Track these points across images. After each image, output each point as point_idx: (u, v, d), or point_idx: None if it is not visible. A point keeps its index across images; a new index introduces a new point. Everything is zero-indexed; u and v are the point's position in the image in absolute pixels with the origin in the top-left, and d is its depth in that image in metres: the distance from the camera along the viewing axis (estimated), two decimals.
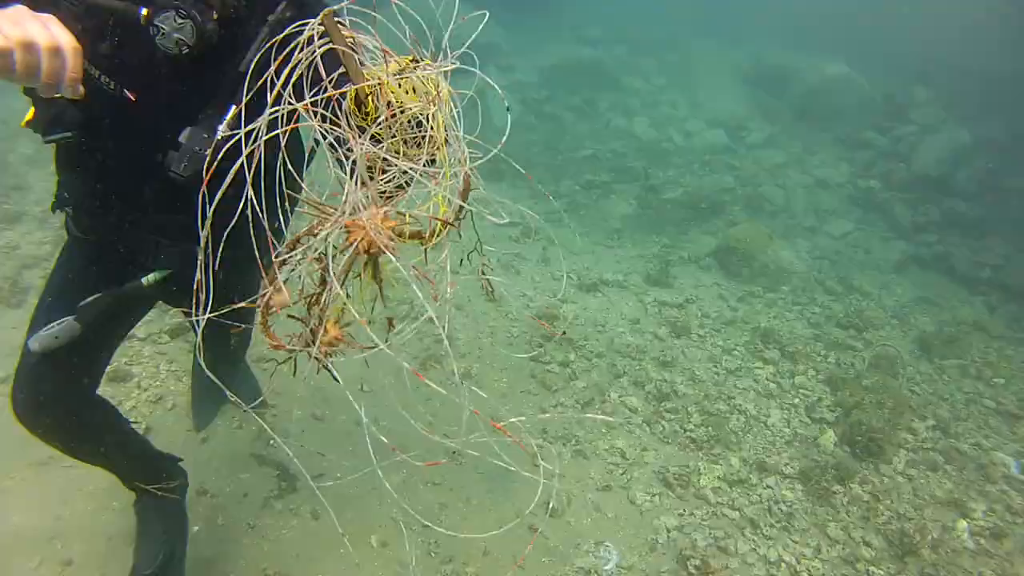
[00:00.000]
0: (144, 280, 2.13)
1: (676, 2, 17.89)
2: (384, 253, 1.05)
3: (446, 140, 1.14)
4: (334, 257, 1.04)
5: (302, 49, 1.12)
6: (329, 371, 1.17)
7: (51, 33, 1.24)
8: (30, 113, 2.15)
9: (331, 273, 1.03)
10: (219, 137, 1.77)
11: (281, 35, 1.24)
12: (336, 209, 1.06)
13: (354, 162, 1.07)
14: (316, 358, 1.12)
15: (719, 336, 5.90)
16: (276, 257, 1.13)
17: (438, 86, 1.17)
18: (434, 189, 1.12)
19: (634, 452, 4.42)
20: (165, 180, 1.82)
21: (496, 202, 1.24)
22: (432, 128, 1.12)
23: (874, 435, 4.73)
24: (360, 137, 1.08)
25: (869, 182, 10.13)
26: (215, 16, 1.70)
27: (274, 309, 1.16)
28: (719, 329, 6.02)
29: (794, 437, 4.82)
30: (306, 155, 1.88)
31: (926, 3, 17.92)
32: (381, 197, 1.09)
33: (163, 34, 1.64)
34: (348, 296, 1.10)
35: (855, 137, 11.39)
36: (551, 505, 3.92)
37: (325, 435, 4.09)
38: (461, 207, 1.22)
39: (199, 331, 1.23)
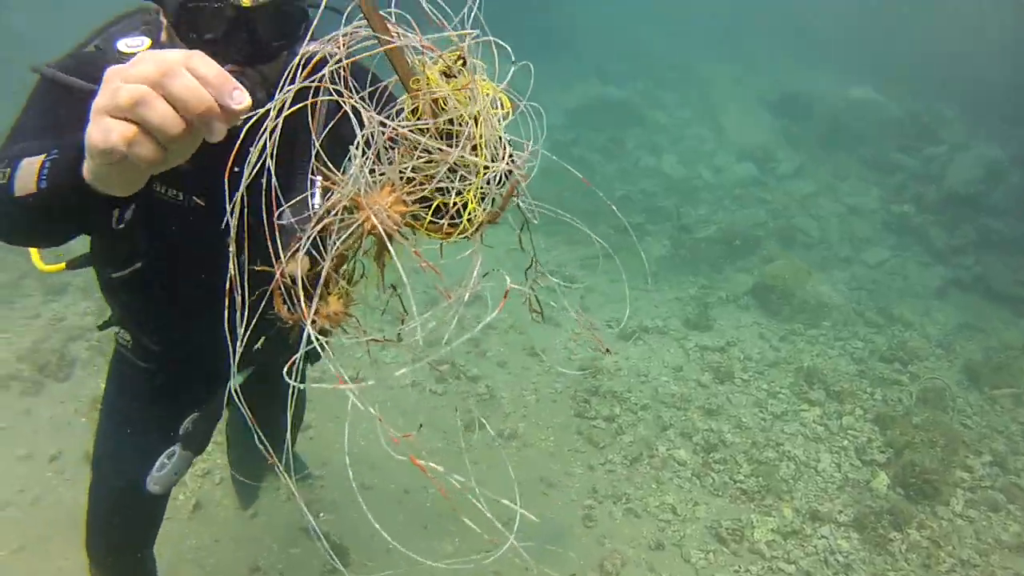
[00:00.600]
0: (232, 385, 1.98)
1: (692, 31, 17.96)
2: (387, 238, 0.93)
3: (486, 143, 1.00)
4: (341, 232, 0.95)
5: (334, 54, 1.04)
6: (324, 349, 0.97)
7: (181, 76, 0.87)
8: (59, 265, 2.12)
9: (327, 248, 0.95)
10: (319, 209, 1.68)
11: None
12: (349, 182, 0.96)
13: (373, 138, 0.95)
14: (316, 335, 0.96)
15: (763, 379, 5.83)
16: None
17: (488, 87, 1.03)
18: (467, 185, 0.98)
19: (685, 508, 4.38)
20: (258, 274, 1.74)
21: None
22: (476, 126, 0.98)
23: (928, 476, 4.63)
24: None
25: (902, 206, 9.97)
26: (263, 90, 1.58)
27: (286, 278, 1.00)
28: (763, 372, 5.96)
29: (846, 482, 4.74)
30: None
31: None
32: (403, 182, 0.96)
33: None
34: (363, 276, 1.02)
35: (884, 160, 11.25)
36: (604, 566, 3.89)
37: (374, 504, 4.12)
38: (497, 211, 1.08)
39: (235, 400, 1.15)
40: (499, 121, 1.03)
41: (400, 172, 0.96)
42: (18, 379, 4.87)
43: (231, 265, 0.99)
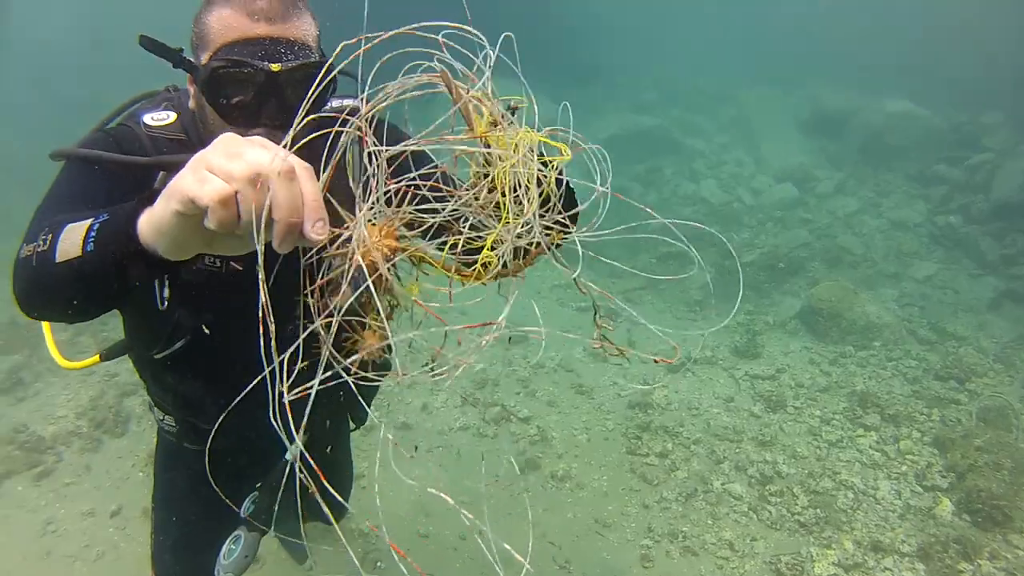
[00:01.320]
0: (289, 456, 1.81)
1: (722, 56, 17.87)
2: (380, 271, 0.90)
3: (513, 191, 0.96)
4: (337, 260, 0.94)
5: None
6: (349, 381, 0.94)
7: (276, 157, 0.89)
8: (92, 359, 2.10)
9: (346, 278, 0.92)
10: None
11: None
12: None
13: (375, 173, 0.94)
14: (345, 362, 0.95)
15: (815, 406, 5.69)
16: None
17: (528, 136, 1.01)
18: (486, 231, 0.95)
19: (743, 543, 4.27)
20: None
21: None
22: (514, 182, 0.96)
23: (996, 501, 4.44)
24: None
25: (948, 218, 9.69)
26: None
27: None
28: (815, 398, 5.81)
29: (907, 510, 4.57)
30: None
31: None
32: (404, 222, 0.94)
33: None
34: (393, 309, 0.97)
35: (927, 173, 10.98)
36: None
37: (431, 553, 4.10)
38: (520, 265, 1.04)
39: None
40: (530, 169, 0.99)
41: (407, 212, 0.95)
42: (78, 435, 5.04)
43: (262, 327, 0.98)
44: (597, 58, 17.18)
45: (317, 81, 1.16)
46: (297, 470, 1.00)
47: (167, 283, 1.69)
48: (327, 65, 1.41)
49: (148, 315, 1.75)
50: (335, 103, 1.75)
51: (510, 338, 1.00)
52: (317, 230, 0.89)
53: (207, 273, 1.72)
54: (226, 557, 1.95)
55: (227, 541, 1.97)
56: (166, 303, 1.70)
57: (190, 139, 1.66)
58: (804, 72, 15.67)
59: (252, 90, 1.48)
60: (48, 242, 1.19)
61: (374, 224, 0.94)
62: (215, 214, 0.86)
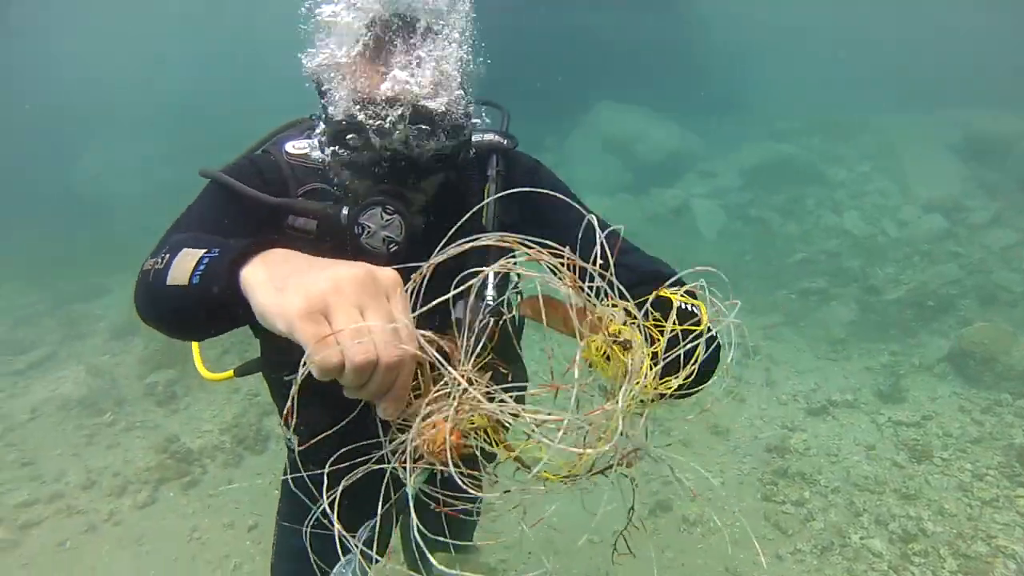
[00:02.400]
0: (410, 489, 1.84)
1: (865, 82, 17.01)
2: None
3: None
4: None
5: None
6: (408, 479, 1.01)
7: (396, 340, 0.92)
8: (226, 373, 2.11)
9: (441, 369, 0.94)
10: (491, 304, 1.58)
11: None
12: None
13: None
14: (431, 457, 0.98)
15: (966, 458, 5.33)
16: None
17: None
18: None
19: None
20: None
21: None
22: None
23: None
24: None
25: None
26: (420, 208, 1.55)
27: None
28: (965, 450, 5.45)
29: None
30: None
31: None
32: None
33: (369, 233, 1.47)
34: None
35: None
36: None
37: None
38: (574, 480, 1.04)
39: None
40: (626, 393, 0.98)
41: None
42: (222, 450, 5.51)
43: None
44: (732, 85, 16.83)
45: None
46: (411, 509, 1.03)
47: None
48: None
49: (279, 337, 1.78)
50: (479, 138, 1.73)
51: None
52: (387, 412, 0.96)
53: None
54: None
55: (339, 564, 1.95)
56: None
57: (326, 169, 1.64)
58: (954, 97, 14.70)
59: (377, 155, 1.47)
60: (164, 262, 1.22)
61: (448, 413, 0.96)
62: (315, 370, 0.91)
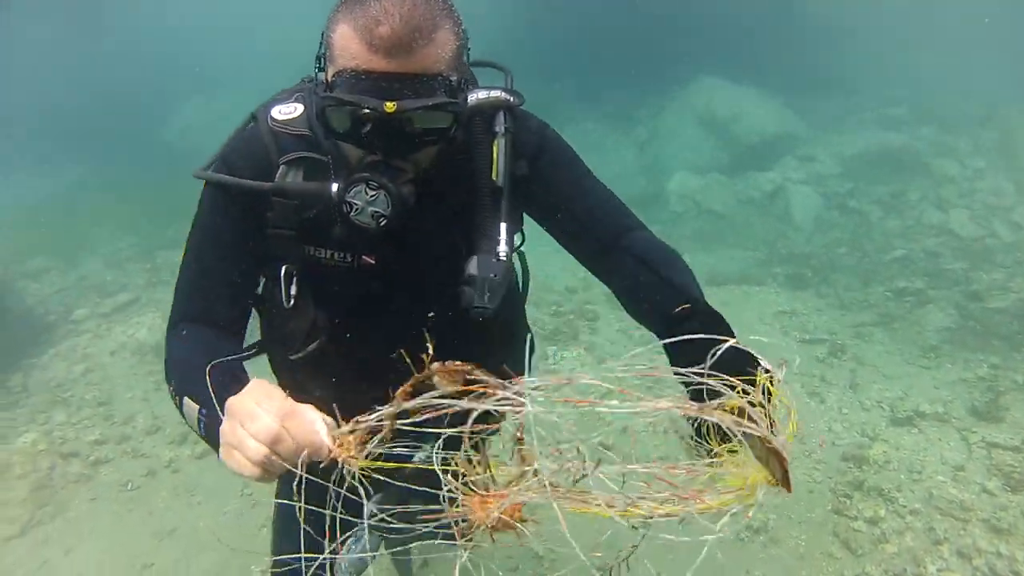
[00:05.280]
0: (415, 460, 1.79)
1: (990, 70, 15.44)
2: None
3: None
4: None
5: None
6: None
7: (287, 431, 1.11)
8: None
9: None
10: (504, 259, 1.62)
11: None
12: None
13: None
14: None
15: None
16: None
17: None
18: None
19: None
20: (439, 330, 1.56)
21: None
22: None
23: None
24: None
25: None
26: (410, 177, 1.49)
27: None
28: None
29: None
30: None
31: None
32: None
33: (357, 210, 1.45)
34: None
35: None
36: None
37: None
38: None
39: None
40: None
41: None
42: None
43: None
44: (842, 64, 15.56)
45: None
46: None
47: (294, 281, 1.67)
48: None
49: (279, 316, 1.75)
50: (480, 94, 1.66)
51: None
52: (317, 457, 1.11)
53: (338, 270, 1.67)
54: (345, 552, 1.92)
55: (349, 540, 1.94)
56: (292, 301, 1.68)
57: (315, 134, 1.61)
58: None
59: (365, 126, 1.40)
60: (177, 400, 1.40)
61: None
62: (263, 480, 1.16)
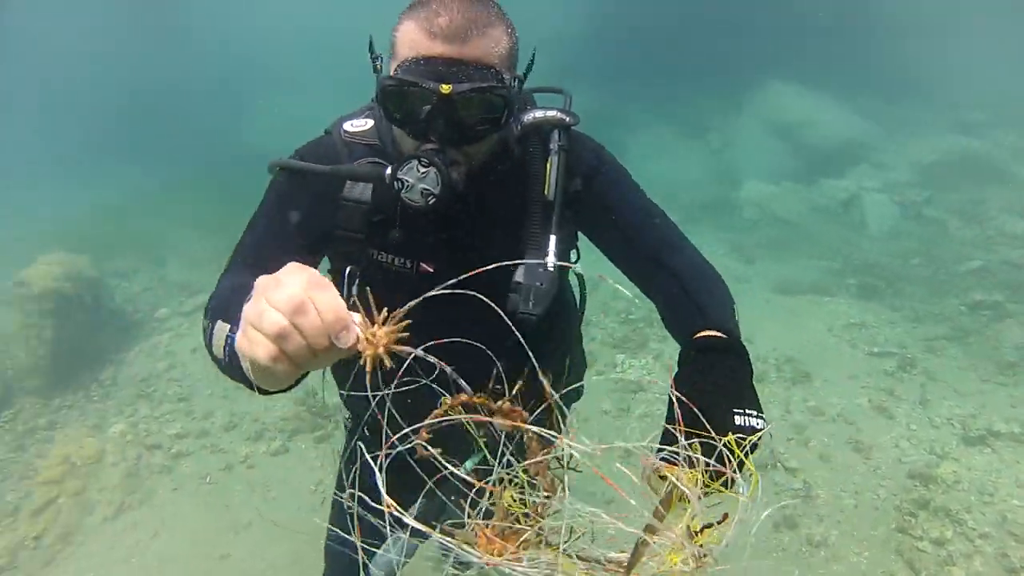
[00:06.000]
0: (464, 470, 1.87)
1: None
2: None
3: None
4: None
5: None
6: None
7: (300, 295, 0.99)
8: None
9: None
10: (551, 269, 1.67)
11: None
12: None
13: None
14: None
15: None
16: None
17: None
18: None
19: None
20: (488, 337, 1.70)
21: None
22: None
23: None
24: None
25: None
26: (462, 169, 1.58)
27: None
28: None
29: None
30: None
31: None
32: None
33: (408, 187, 1.51)
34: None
35: None
36: None
37: None
38: None
39: None
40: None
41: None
42: None
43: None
44: (918, 67, 14.99)
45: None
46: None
47: (356, 283, 1.75)
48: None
49: None
50: (537, 113, 1.76)
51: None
52: (342, 341, 0.99)
53: (396, 273, 1.76)
54: (381, 554, 1.96)
55: (385, 544, 1.98)
56: (352, 300, 1.71)
57: (382, 143, 1.72)
58: None
59: (423, 108, 1.49)
60: (209, 330, 1.37)
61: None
62: (274, 369, 0.99)
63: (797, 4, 15.76)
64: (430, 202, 1.52)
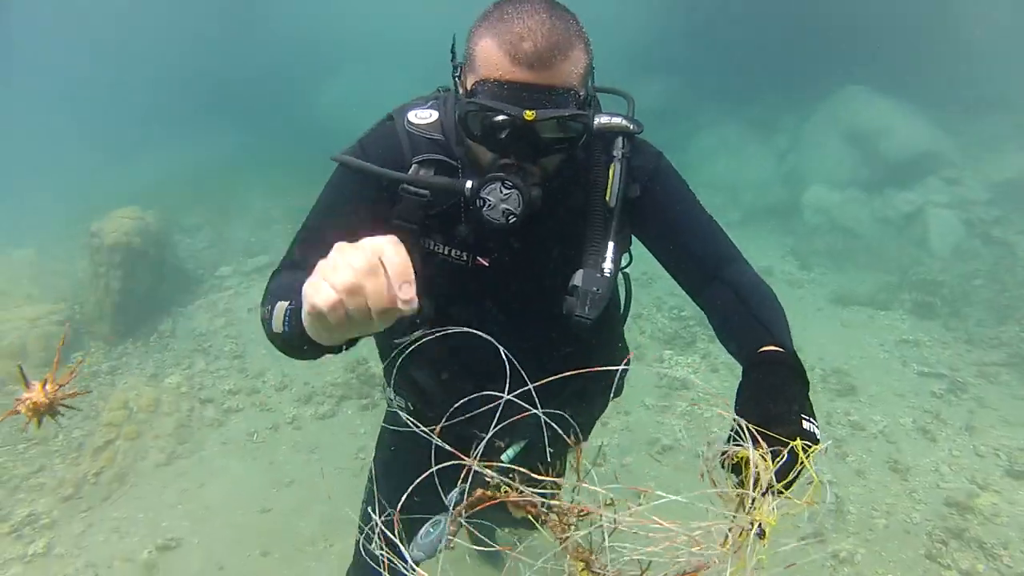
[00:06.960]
0: (505, 458, 1.90)
1: None
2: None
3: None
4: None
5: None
6: None
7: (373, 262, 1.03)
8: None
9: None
10: (608, 275, 1.70)
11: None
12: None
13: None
14: None
15: None
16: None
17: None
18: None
19: None
20: (539, 333, 1.82)
21: None
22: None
23: None
24: None
25: None
26: (537, 181, 1.58)
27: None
28: None
29: None
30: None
31: None
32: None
33: (490, 206, 1.54)
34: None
35: None
36: None
37: None
38: None
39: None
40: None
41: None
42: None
43: None
44: (1003, 81, 14.29)
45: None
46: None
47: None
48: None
49: None
50: (603, 119, 1.73)
51: None
52: (404, 294, 1.03)
53: (452, 266, 1.78)
54: (422, 537, 1.96)
55: (428, 523, 1.98)
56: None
57: (447, 139, 1.72)
58: None
59: (503, 131, 1.51)
60: (269, 312, 1.43)
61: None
62: (331, 316, 1.04)
63: (878, 6, 15.18)
64: (510, 221, 1.55)
